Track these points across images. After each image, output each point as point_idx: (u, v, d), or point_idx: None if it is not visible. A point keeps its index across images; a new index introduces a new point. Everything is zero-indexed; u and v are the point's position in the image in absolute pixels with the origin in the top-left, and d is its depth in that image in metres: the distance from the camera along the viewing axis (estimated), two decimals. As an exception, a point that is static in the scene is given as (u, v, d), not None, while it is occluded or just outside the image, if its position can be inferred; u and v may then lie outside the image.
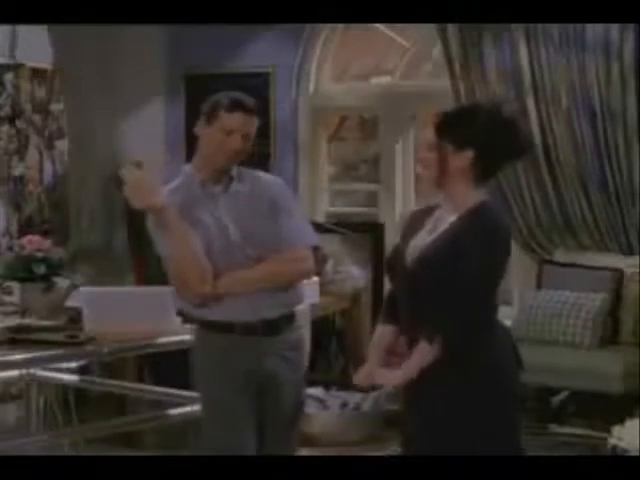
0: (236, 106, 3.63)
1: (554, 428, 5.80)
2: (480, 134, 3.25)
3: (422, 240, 3.27)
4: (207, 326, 3.67)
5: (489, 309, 3.23)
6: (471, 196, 3.25)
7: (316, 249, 3.81)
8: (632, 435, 2.50)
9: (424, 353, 3.15)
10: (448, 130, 3.27)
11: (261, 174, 3.79)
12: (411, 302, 3.25)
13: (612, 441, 2.51)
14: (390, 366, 3.31)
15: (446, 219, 3.26)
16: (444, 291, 3.13)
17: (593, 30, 5.89)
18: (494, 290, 3.23)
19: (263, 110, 6.91)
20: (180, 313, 4.18)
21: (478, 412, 3.15)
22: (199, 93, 7.24)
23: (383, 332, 3.39)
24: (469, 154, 3.23)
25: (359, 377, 3.44)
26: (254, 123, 3.66)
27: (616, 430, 2.52)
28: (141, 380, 6.04)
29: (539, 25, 6.03)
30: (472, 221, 3.19)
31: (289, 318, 3.71)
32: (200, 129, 3.70)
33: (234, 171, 3.69)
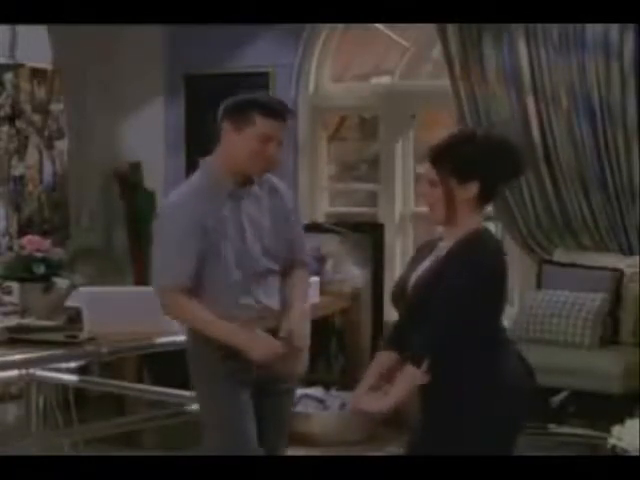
0: (273, 112, 3.54)
1: (554, 428, 5.79)
2: (483, 164, 3.25)
3: (422, 269, 3.28)
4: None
5: (486, 331, 3.20)
6: (470, 222, 3.26)
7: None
8: (632, 435, 2.50)
9: (408, 376, 3.14)
10: (449, 165, 3.24)
11: (275, 180, 3.75)
12: (409, 329, 3.25)
13: (612, 441, 2.51)
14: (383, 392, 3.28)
15: (444, 247, 3.27)
16: (431, 314, 3.14)
17: (593, 30, 5.89)
18: (488, 312, 3.20)
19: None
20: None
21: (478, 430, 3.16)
22: (199, 93, 7.35)
23: (382, 357, 3.36)
24: (475, 185, 3.24)
25: (350, 401, 3.44)
26: (286, 128, 3.60)
27: (616, 430, 2.52)
28: (141, 380, 6.04)
29: (539, 25, 6.03)
30: (462, 247, 3.19)
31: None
32: (229, 132, 3.58)
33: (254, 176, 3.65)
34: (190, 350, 3.76)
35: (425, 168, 3.29)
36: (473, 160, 3.24)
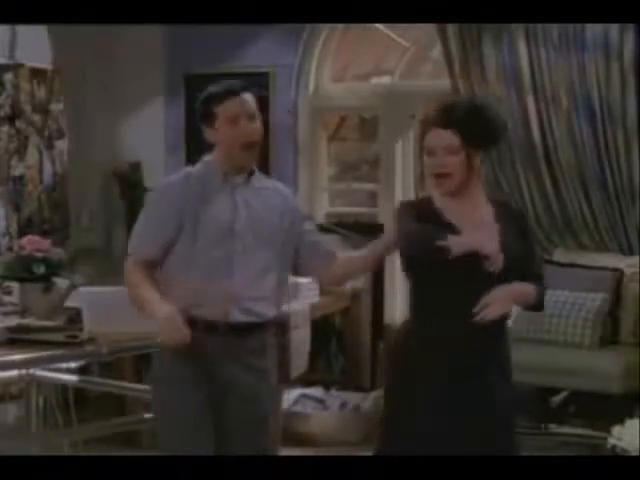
0: (222, 95, 3.58)
1: (554, 428, 5.79)
2: (486, 131, 3.28)
3: (488, 238, 3.28)
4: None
5: None
6: (481, 192, 3.37)
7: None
8: (632, 435, 2.49)
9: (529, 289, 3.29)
10: (472, 130, 3.26)
11: (282, 186, 3.76)
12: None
13: (612, 441, 2.51)
14: None
15: (480, 215, 3.33)
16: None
17: (593, 30, 5.89)
18: None
19: (263, 107, 6.97)
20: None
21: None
22: (199, 93, 7.32)
23: None
24: (480, 152, 3.26)
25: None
26: (250, 100, 3.59)
27: (616, 430, 2.52)
28: (140, 380, 6.03)
29: (539, 25, 6.03)
30: (516, 213, 3.47)
31: (259, 326, 3.59)
32: (208, 134, 3.66)
33: (255, 168, 3.66)
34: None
35: (440, 135, 3.26)
36: (485, 127, 3.26)
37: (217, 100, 3.59)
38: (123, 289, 3.77)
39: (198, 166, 3.71)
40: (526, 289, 3.32)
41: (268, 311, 3.59)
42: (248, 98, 3.60)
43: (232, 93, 3.58)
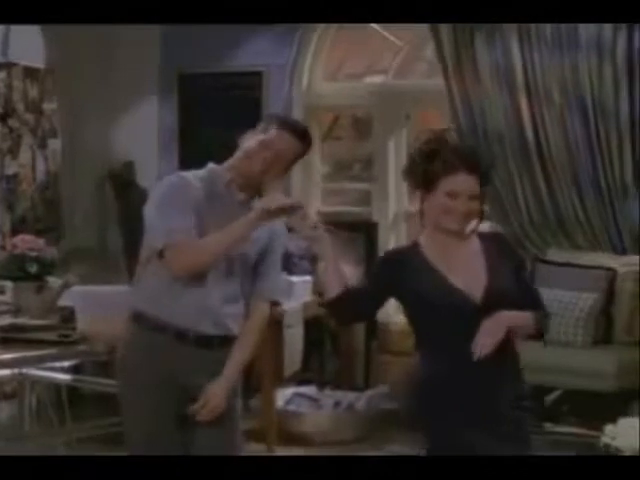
0: (287, 126, 3.52)
1: (548, 427, 5.80)
2: (489, 178, 3.35)
3: (474, 275, 3.27)
4: (146, 322, 3.50)
5: None
6: None
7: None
8: (625, 434, 2.49)
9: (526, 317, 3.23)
10: (487, 173, 3.29)
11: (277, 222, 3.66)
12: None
13: (605, 440, 2.51)
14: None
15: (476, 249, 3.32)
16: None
17: (586, 30, 5.90)
18: None
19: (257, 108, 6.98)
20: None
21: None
22: (193, 92, 7.35)
23: None
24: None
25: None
26: (297, 152, 3.57)
27: (609, 429, 2.52)
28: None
29: (532, 25, 6.04)
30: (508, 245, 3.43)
31: (227, 339, 3.55)
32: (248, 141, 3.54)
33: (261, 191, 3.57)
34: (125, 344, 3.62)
35: (467, 180, 3.22)
36: (488, 174, 3.32)
37: (280, 125, 3.51)
38: (116, 288, 3.76)
39: (203, 172, 3.60)
40: (519, 315, 3.25)
41: (235, 327, 3.55)
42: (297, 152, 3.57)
43: (293, 131, 3.54)
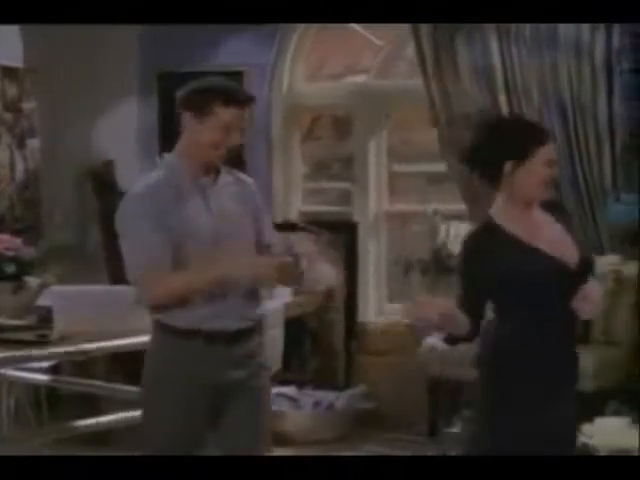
0: (233, 100, 3.46)
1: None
2: None
3: (562, 243, 3.37)
4: (171, 331, 3.49)
5: None
6: None
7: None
8: (602, 433, 2.50)
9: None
10: None
11: (241, 174, 3.68)
12: None
13: (582, 439, 2.51)
14: None
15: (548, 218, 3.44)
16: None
17: (564, 30, 5.92)
18: None
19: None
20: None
21: None
22: (173, 92, 7.28)
23: None
24: None
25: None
26: (247, 115, 3.54)
27: (586, 428, 2.52)
28: (112, 379, 6.01)
29: (511, 25, 6.05)
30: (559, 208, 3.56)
31: (252, 330, 3.58)
32: (190, 122, 3.49)
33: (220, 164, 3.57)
34: (151, 349, 3.60)
35: (554, 149, 3.38)
36: None
37: (226, 101, 3.45)
38: (95, 288, 3.75)
39: (156, 172, 3.55)
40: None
41: (257, 313, 3.58)
42: (247, 113, 3.53)
43: (243, 104, 3.49)
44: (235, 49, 6.97)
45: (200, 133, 3.48)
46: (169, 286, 3.44)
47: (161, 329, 3.53)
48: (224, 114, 3.45)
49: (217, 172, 3.58)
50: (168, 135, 7.27)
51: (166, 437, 3.51)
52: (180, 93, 3.57)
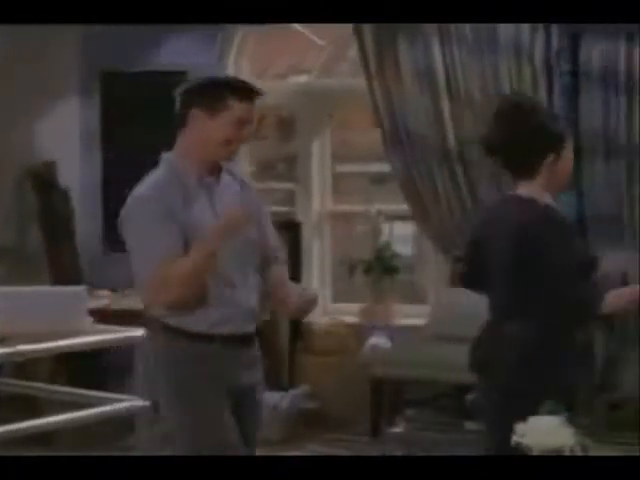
0: (246, 94, 3.39)
1: (468, 425, 5.85)
2: None
3: None
4: (187, 336, 3.41)
5: None
6: None
7: None
8: (534, 432, 2.52)
9: None
10: None
11: (238, 174, 3.62)
12: None
13: (515, 438, 2.54)
14: None
15: None
16: None
17: (505, 30, 5.96)
18: None
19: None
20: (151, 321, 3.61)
21: None
22: (115, 92, 7.28)
23: None
24: None
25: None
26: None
27: (519, 427, 2.55)
28: (54, 381, 5.97)
29: (452, 26, 6.09)
30: None
31: (257, 331, 3.59)
32: (200, 118, 3.36)
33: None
34: (160, 350, 3.47)
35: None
36: None
37: (240, 95, 3.37)
38: (35, 289, 3.72)
39: (160, 170, 3.44)
40: None
41: (262, 314, 3.56)
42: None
43: (253, 98, 3.42)
44: (178, 49, 6.92)
45: (211, 130, 3.35)
46: (178, 275, 3.29)
47: (174, 333, 3.43)
48: (238, 108, 3.35)
49: (219, 171, 3.47)
50: (110, 136, 7.29)
51: (209, 438, 3.44)
52: (184, 89, 3.43)
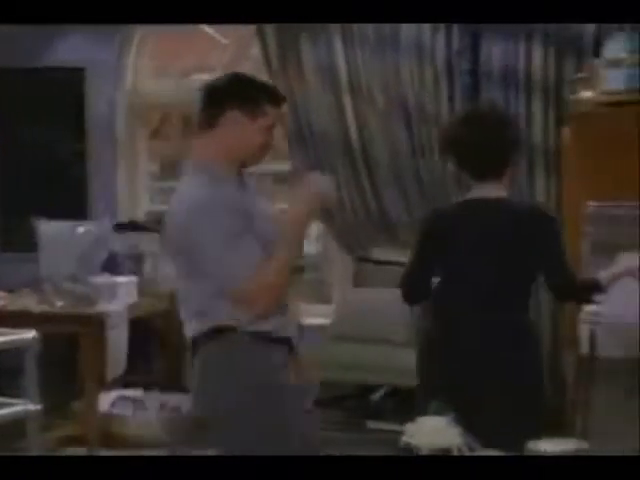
0: (278, 100, 3.43)
1: (371, 424, 5.86)
2: None
3: None
4: (265, 340, 3.37)
5: None
6: None
7: None
8: (422, 432, 2.52)
9: None
10: None
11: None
12: None
13: (404, 439, 2.53)
14: None
15: None
16: None
17: (406, 30, 5.97)
18: None
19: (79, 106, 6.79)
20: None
21: None
22: (9, 88, 7.10)
23: None
24: None
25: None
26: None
27: (409, 427, 2.54)
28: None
29: (355, 25, 6.09)
30: None
31: None
32: (239, 120, 3.35)
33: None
34: (225, 345, 3.39)
35: None
36: None
37: (274, 101, 3.40)
38: None
39: (196, 177, 3.37)
40: None
41: None
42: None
43: (282, 105, 3.48)
44: (74, 45, 6.75)
45: (253, 133, 3.37)
46: (267, 282, 3.28)
47: (256, 338, 3.36)
48: (272, 114, 3.40)
49: (241, 173, 3.47)
50: (2, 136, 7.08)
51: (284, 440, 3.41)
52: (213, 87, 3.51)
